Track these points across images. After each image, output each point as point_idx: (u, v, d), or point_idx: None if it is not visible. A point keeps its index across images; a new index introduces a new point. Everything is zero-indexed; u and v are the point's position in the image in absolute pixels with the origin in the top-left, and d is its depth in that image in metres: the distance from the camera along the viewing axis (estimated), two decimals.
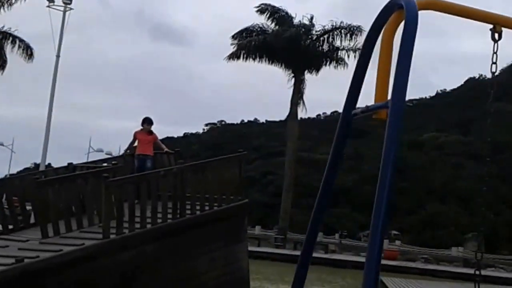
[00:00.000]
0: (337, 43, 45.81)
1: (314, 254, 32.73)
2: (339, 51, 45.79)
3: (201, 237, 14.47)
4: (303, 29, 45.50)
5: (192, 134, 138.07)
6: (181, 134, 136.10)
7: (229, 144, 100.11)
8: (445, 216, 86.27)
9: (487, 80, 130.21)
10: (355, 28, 44.82)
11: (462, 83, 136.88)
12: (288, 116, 46.18)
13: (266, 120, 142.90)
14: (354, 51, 45.30)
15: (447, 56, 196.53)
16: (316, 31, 46.21)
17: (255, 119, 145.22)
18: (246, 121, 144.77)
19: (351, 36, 45.11)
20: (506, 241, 77.46)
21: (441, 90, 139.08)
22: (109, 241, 12.88)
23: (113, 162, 16.36)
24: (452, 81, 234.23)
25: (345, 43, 45.74)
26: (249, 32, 46.48)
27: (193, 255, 14.12)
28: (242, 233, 15.63)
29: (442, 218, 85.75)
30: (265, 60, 46.35)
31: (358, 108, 8.63)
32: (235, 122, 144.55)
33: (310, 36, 46.05)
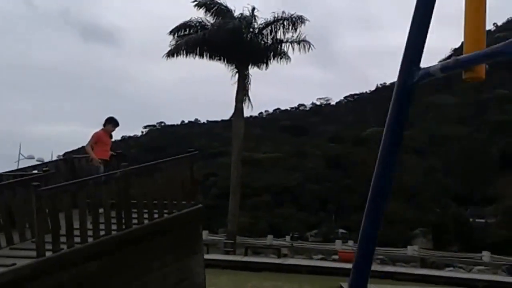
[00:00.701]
0: (280, 35, 44.36)
1: (266, 260, 31.16)
2: (283, 44, 44.36)
3: (150, 251, 12.85)
4: (245, 22, 43.92)
5: (130, 137, 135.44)
6: (119, 138, 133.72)
7: (169, 146, 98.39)
8: (391, 212, 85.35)
9: None
10: (297, 18, 43.47)
11: None
12: (233, 114, 44.52)
13: (207, 120, 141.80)
14: (298, 43, 43.95)
15: (387, 49, 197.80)
16: (258, 24, 44.69)
17: (196, 119, 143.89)
18: (186, 121, 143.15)
19: (293, 27, 43.75)
20: (454, 236, 77.11)
21: (381, 84, 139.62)
22: (45, 259, 11.13)
23: (44, 169, 14.56)
24: (392, 74, 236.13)
25: (288, 35, 44.35)
26: (188, 27, 44.69)
27: (142, 272, 12.50)
28: (197, 243, 14.07)
29: (389, 214, 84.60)
30: (207, 56, 44.61)
31: (426, 68, 6.81)
32: (175, 123, 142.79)
33: (252, 30, 44.53)
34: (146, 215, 13.06)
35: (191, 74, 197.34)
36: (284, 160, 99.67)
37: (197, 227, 14.18)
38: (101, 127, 15.69)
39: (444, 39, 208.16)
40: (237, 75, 44.21)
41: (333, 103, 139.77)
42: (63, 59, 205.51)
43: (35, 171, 15.27)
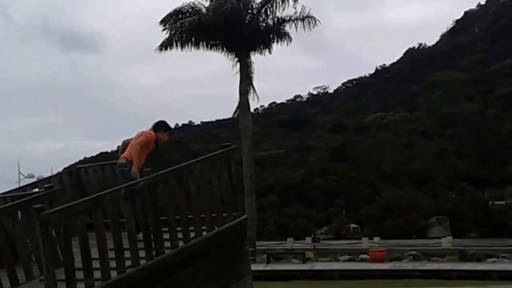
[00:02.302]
0: (281, 13, 41.46)
1: (292, 266, 28.50)
2: (286, 23, 41.59)
3: (189, 281, 10.32)
4: (242, 3, 41.08)
5: None
6: (115, 148, 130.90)
7: (167, 151, 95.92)
8: (404, 202, 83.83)
9: (427, 49, 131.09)
10: None
11: (401, 55, 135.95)
12: (237, 108, 41.70)
13: (202, 122, 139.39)
14: (302, 19, 41.16)
15: (381, 29, 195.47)
16: (257, 3, 41.80)
17: (190, 121, 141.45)
18: (180, 125, 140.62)
19: (294, 2, 40.88)
20: (473, 222, 75.17)
21: (380, 66, 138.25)
22: None
23: (46, 186, 12.04)
24: (391, 55, 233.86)
25: (290, 12, 41.48)
26: (180, 13, 41.90)
27: None
28: (244, 264, 11.48)
29: (401, 204, 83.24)
30: (203, 45, 41.93)
31: None
32: None
33: (250, 10, 41.73)
34: (180, 235, 10.53)
35: (180, 73, 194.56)
36: (286, 156, 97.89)
37: (242, 244, 11.63)
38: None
39: (445, 11, 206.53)
40: (238, 64, 41.50)
41: (331, 91, 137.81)
42: (47, 72, 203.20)
43: (36, 189, 12.79)
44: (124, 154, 12.57)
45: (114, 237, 9.37)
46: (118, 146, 14.03)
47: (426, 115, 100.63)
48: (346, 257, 41.40)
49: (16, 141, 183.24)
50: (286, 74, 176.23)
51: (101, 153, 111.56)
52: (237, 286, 11.08)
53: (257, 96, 41.80)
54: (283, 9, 41.07)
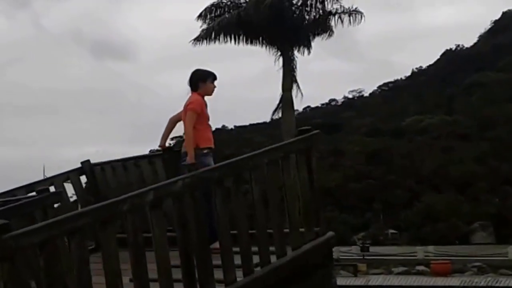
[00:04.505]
0: (327, 6, 37.61)
1: (344, 281, 24.09)
2: (332, 17, 37.71)
3: None
4: None
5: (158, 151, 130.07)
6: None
7: None
8: (444, 206, 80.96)
9: (465, 50, 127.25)
10: None
11: (438, 57, 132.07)
12: (278, 106, 37.65)
13: (235, 126, 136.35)
14: (349, 14, 37.30)
15: (418, 31, 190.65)
16: None
17: (223, 126, 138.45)
18: (213, 129, 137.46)
19: None
20: None
21: (416, 68, 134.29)
22: None
23: (39, 189, 8.16)
24: (428, 57, 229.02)
25: (336, 5, 37.64)
26: (218, 7, 38.26)
27: None
28: None
29: (441, 209, 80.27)
30: (243, 40, 38.13)
31: None
32: None
33: (294, 2, 37.95)
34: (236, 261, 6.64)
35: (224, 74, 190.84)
36: (320, 160, 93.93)
37: (329, 272, 7.72)
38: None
39: (483, 11, 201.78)
40: (281, 58, 37.66)
41: (366, 94, 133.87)
42: (79, 79, 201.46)
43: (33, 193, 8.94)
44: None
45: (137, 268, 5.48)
46: (151, 151, 10.28)
47: (465, 118, 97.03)
48: (401, 268, 37.10)
49: (47, 146, 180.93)
50: (320, 77, 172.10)
51: None
52: None
53: (301, 93, 37.95)
54: (330, 1, 37.32)
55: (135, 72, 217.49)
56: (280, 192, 7.19)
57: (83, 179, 10.41)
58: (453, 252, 41.22)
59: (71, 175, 10.23)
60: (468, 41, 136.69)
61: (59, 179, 10.02)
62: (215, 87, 9.09)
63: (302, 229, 7.40)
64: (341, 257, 40.63)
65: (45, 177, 10.55)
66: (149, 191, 5.74)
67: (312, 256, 7.29)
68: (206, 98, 9.10)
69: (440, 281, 30.73)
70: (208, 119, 9.06)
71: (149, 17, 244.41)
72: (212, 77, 9.15)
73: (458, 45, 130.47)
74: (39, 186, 9.00)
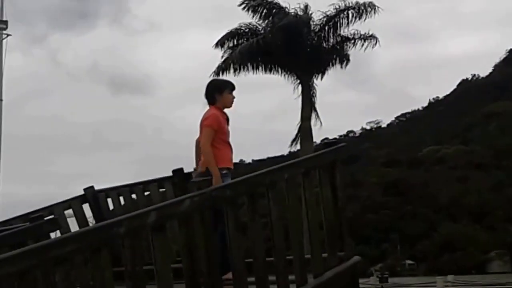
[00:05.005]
0: (344, 31, 36.68)
1: None
2: (348, 43, 36.80)
3: None
4: (302, 19, 36.43)
5: None
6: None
7: None
8: (461, 236, 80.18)
9: (481, 80, 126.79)
10: (366, 6, 35.55)
11: (455, 87, 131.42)
12: (297, 136, 36.49)
13: (253, 160, 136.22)
14: (365, 39, 36.35)
15: (434, 61, 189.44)
16: (317, 20, 37.14)
17: (241, 160, 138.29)
18: None
19: (360, 18, 36.12)
20: None
21: (433, 99, 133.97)
22: None
23: (32, 217, 7.29)
24: (444, 87, 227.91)
25: (353, 30, 36.74)
26: (236, 35, 37.41)
27: None
28: None
29: (457, 238, 79.90)
30: (262, 68, 37.25)
31: None
32: None
33: (311, 28, 37.08)
34: None
35: (229, 112, 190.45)
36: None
37: None
38: None
39: (497, 41, 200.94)
40: (299, 86, 36.74)
41: (384, 125, 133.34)
42: (96, 114, 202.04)
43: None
44: (202, 160, 7.89)
45: None
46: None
47: (481, 147, 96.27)
48: None
49: (64, 183, 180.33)
50: (338, 109, 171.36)
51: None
52: None
53: (321, 122, 36.91)
54: (348, 26, 36.44)
55: (151, 106, 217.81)
56: (301, 212, 6.36)
57: (86, 207, 9.63)
58: (472, 281, 40.07)
59: (72, 203, 9.40)
60: (484, 70, 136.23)
61: (59, 208, 9.21)
62: (233, 97, 8.23)
63: (325, 255, 6.55)
64: None
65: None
66: (150, 211, 4.91)
67: (336, 284, 6.44)
68: (228, 111, 8.23)
69: None
70: (228, 135, 8.09)
71: (164, 52, 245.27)
72: (230, 87, 8.14)
73: (474, 75, 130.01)
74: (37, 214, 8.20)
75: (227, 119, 8.15)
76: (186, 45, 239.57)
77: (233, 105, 8.19)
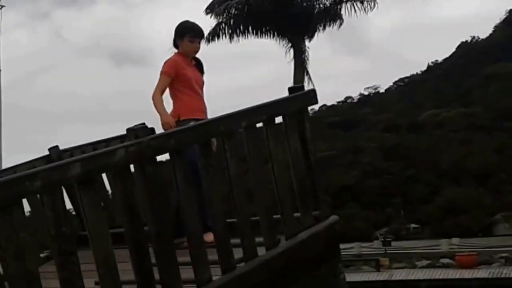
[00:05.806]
0: None
1: (367, 277, 22.65)
2: (343, 4, 35.93)
3: None
4: None
5: None
6: None
7: None
8: (465, 199, 79.41)
9: (481, 42, 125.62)
10: None
11: (454, 50, 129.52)
12: None
13: None
14: (362, 1, 35.52)
15: (432, 24, 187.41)
16: None
17: None
18: None
19: None
20: None
21: (432, 62, 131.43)
22: None
23: None
24: (443, 50, 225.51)
25: None
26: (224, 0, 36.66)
27: None
28: None
29: (462, 202, 79.02)
30: (253, 32, 36.45)
31: None
32: None
33: None
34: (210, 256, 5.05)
35: (232, 81, 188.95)
36: (338, 157, 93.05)
37: (334, 266, 6.11)
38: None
39: (497, 1, 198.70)
40: (292, 50, 35.95)
41: (382, 90, 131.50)
42: (101, 85, 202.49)
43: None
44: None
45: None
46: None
47: (483, 110, 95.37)
48: (425, 262, 35.17)
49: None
50: (335, 75, 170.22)
51: None
52: None
53: (313, 86, 36.18)
54: None
55: (151, 77, 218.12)
56: (266, 166, 5.58)
57: None
58: (478, 244, 39.52)
59: (36, 163, 8.63)
60: (484, 32, 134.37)
61: (23, 168, 8.43)
62: (196, 47, 7.37)
63: (297, 214, 5.79)
64: (362, 253, 39.13)
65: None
66: (72, 162, 4.11)
67: (312, 246, 5.68)
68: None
69: (466, 273, 29.07)
70: (195, 83, 7.21)
71: (164, 26, 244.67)
72: (191, 33, 7.33)
73: (474, 37, 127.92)
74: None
75: (198, 66, 7.40)
76: (183, 14, 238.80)
77: (198, 52, 7.43)
